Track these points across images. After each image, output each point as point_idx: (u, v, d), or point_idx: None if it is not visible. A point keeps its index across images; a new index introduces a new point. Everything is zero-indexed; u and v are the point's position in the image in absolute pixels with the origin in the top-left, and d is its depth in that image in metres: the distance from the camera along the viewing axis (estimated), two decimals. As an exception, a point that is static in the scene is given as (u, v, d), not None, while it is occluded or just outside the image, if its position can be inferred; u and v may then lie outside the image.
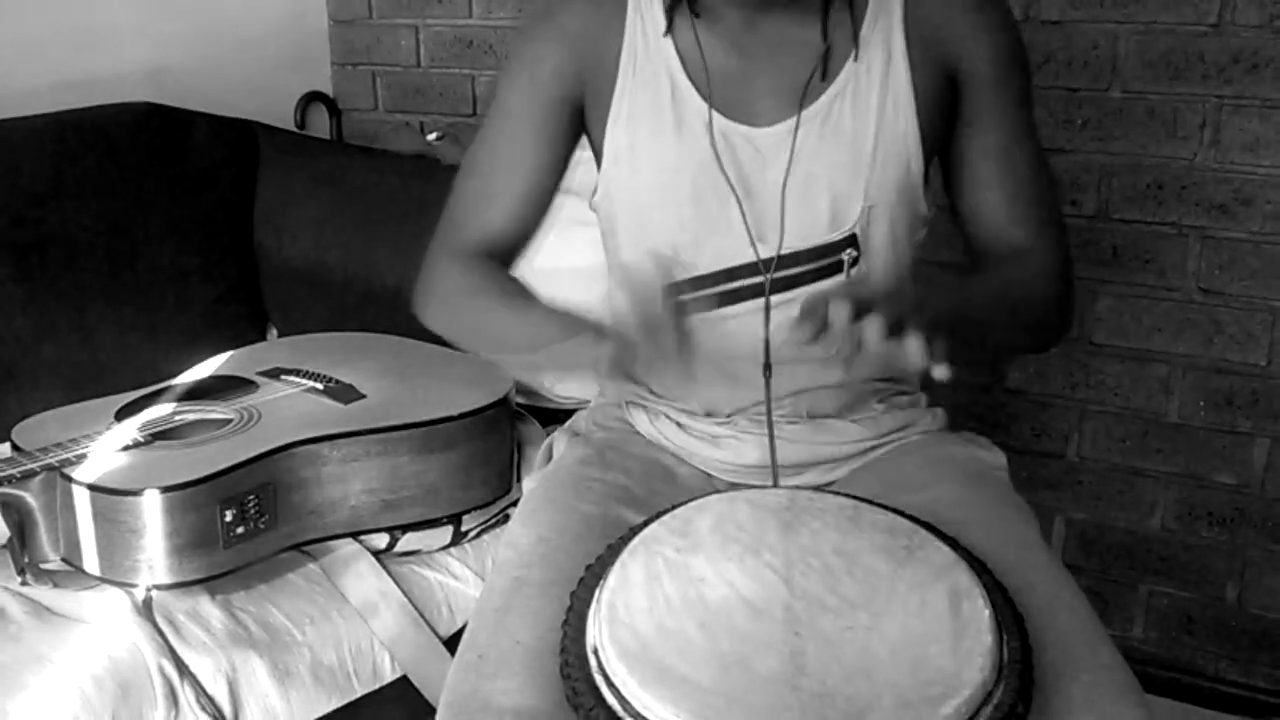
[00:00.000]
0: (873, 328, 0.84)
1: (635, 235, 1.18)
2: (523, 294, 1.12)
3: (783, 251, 1.11)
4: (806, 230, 1.11)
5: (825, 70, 1.10)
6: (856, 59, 1.10)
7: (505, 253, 1.20)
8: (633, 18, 1.13)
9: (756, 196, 1.11)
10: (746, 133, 1.11)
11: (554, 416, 1.70)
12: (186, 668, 1.25)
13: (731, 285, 1.13)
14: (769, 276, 1.11)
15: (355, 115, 2.45)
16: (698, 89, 1.11)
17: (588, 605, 0.90)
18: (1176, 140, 1.75)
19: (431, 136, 2.20)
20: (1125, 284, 1.83)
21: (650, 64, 1.12)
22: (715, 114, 1.11)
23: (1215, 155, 1.73)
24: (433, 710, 1.39)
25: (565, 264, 1.38)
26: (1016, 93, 1.14)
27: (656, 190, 1.14)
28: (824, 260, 1.12)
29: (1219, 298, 1.78)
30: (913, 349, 0.83)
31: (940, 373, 0.83)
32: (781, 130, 1.11)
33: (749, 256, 1.12)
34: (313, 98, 2.37)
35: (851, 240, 1.11)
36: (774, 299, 1.11)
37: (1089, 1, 1.76)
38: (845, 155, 1.11)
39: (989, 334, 1.08)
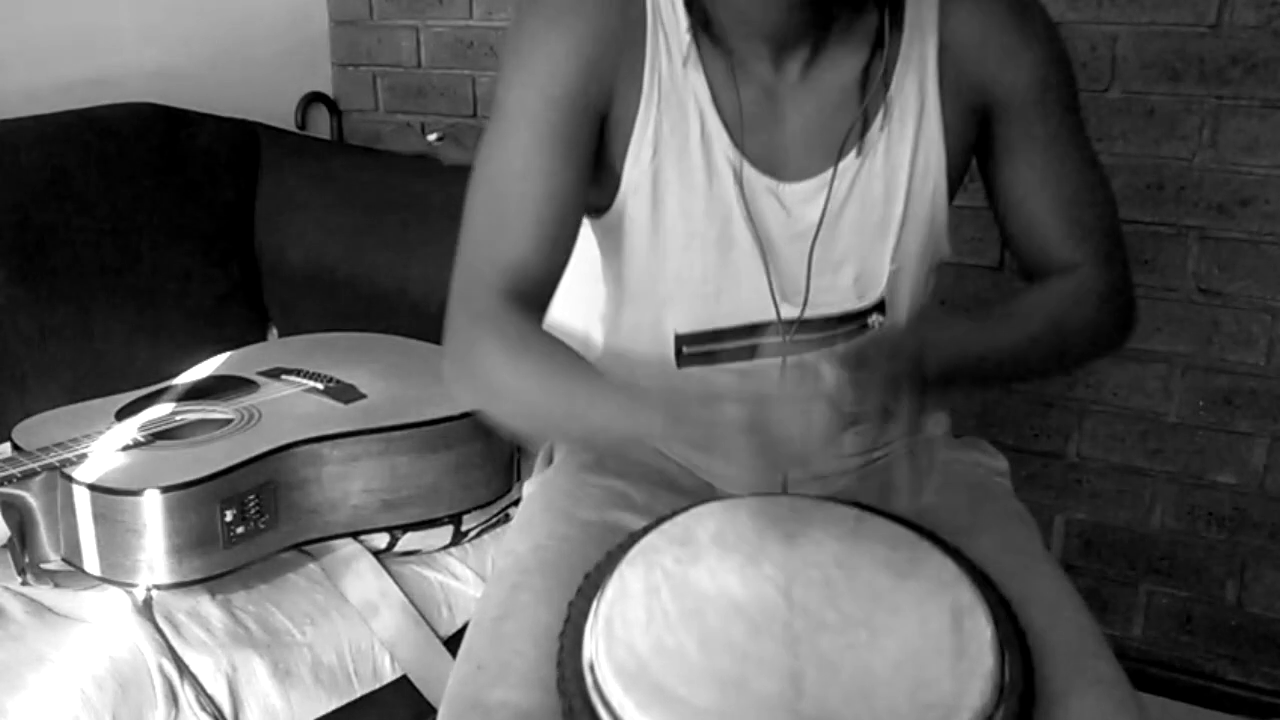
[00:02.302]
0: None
1: (649, 272, 1.09)
2: (576, 364, 0.98)
3: (806, 315, 1.07)
4: (830, 294, 1.07)
5: (862, 141, 1.03)
6: (886, 124, 1.04)
7: (536, 290, 1.03)
8: (653, 28, 1.02)
9: (779, 254, 1.05)
10: (771, 185, 1.04)
11: (554, 416, 1.70)
12: (186, 667, 1.25)
13: (749, 342, 1.07)
14: (789, 338, 1.07)
15: (356, 116, 2.45)
16: (728, 131, 1.03)
17: (585, 617, 0.88)
18: (1175, 141, 1.75)
19: (432, 137, 2.21)
20: (1125, 284, 1.83)
21: (676, 93, 1.02)
22: (744, 163, 1.03)
23: (1214, 156, 1.73)
24: (433, 710, 1.40)
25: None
26: (1060, 109, 1.07)
27: (683, 235, 1.05)
28: (849, 326, 1.08)
29: (1218, 298, 1.78)
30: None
31: (936, 428, 0.84)
32: (810, 188, 1.05)
33: (770, 315, 1.07)
34: (313, 98, 2.37)
35: (879, 306, 1.08)
36: (793, 360, 1.04)
37: (1088, 3, 1.76)
38: (874, 217, 1.06)
39: (1013, 370, 1.06)
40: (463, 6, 2.28)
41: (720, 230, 1.04)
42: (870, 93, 1.03)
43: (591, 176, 1.04)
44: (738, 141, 1.03)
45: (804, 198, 1.05)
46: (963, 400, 1.93)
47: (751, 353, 1.06)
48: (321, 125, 2.41)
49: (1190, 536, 1.90)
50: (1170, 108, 1.74)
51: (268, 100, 2.22)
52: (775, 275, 1.06)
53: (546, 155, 1.01)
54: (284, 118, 2.28)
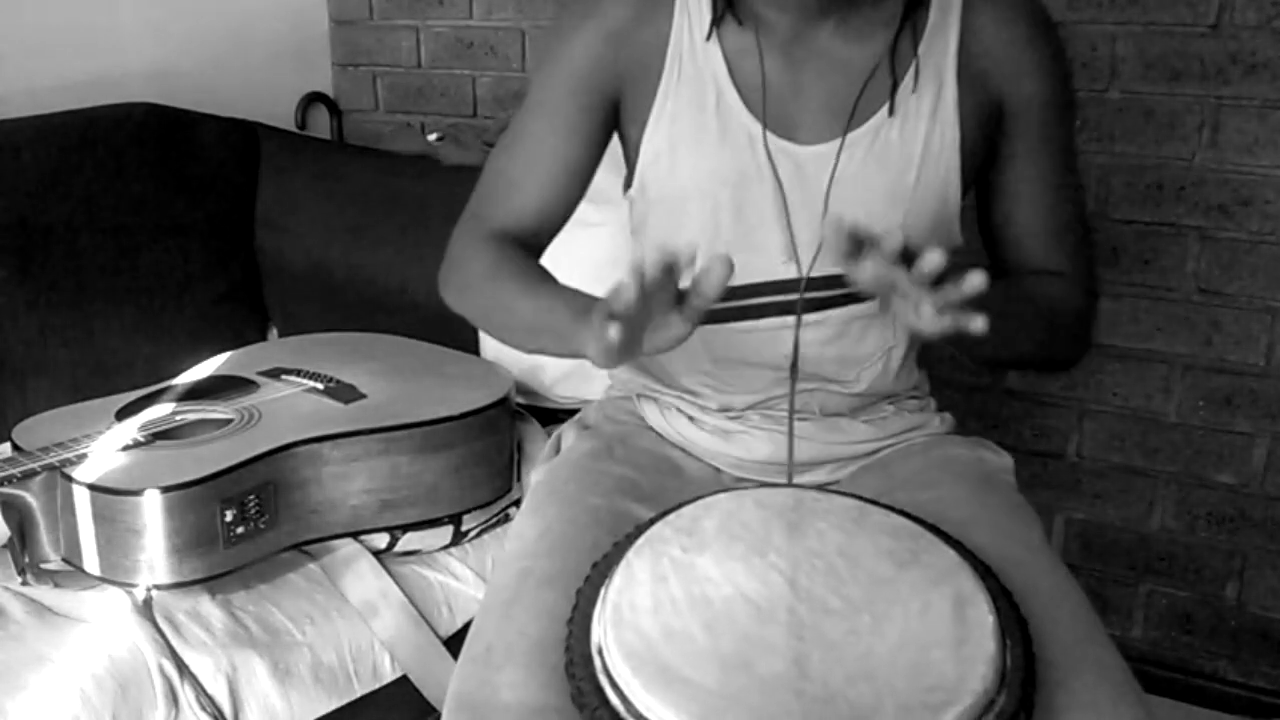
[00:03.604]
0: (922, 269, 0.83)
1: (667, 237, 1.14)
2: (540, 274, 1.11)
3: (815, 274, 1.11)
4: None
5: (893, 100, 1.08)
6: (916, 89, 1.08)
7: (531, 240, 1.18)
8: (679, 19, 1.11)
9: (793, 214, 1.11)
10: (788, 148, 1.10)
11: (554, 416, 1.70)
12: (186, 667, 1.25)
13: (760, 300, 1.13)
14: (801, 296, 1.11)
15: (356, 116, 2.45)
16: (743, 98, 1.10)
17: (593, 604, 0.90)
18: (1175, 141, 1.75)
19: (432, 137, 2.20)
20: (1125, 284, 1.83)
21: (695, 67, 1.10)
22: (760, 126, 1.10)
23: (1214, 156, 1.73)
24: (433, 710, 1.40)
25: (564, 263, 1.38)
26: (1062, 131, 1.14)
27: (695, 197, 1.12)
28: (855, 286, 1.12)
29: (1218, 298, 1.78)
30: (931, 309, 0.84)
31: (977, 325, 0.81)
32: (825, 150, 1.10)
33: (781, 273, 1.12)
34: (314, 98, 2.38)
35: None
36: (803, 318, 1.12)
37: (1088, 3, 1.76)
38: (887, 183, 1.10)
39: (1012, 333, 1.06)
40: (463, 6, 2.28)
41: (733, 193, 1.11)
42: (899, 58, 1.08)
43: (600, 157, 1.18)
44: (754, 108, 1.09)
45: (821, 158, 1.10)
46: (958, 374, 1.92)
47: (761, 310, 1.13)
48: (321, 125, 2.41)
49: (1190, 536, 1.90)
50: (1170, 108, 1.74)
51: (268, 100, 2.22)
52: (788, 235, 1.11)
53: (559, 135, 1.15)
54: (284, 118, 2.28)
